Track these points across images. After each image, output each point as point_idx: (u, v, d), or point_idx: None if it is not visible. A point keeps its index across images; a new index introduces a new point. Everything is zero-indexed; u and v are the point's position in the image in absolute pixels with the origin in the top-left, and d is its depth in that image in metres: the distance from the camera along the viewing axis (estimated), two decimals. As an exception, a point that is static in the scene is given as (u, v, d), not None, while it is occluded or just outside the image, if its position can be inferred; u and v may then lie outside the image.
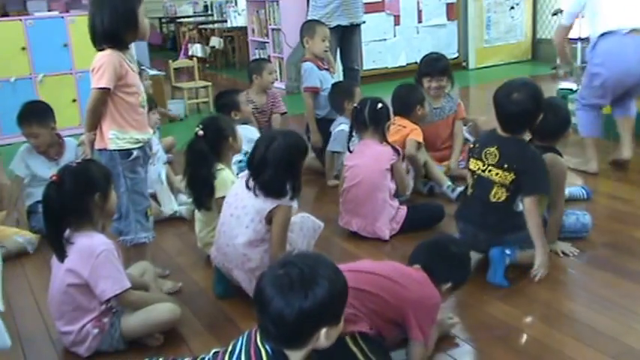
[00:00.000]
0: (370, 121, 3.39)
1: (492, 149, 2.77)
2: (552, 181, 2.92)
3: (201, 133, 3.01)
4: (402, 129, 3.78)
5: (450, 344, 2.36)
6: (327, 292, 1.55)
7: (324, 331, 1.58)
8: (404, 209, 3.37)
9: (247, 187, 2.60)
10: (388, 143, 3.40)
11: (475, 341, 2.36)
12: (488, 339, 2.36)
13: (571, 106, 5.02)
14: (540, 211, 2.99)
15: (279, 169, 2.53)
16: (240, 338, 1.73)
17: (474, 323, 2.48)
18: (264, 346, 1.62)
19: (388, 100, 3.71)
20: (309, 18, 5.35)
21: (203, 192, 3.01)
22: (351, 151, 3.50)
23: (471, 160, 2.87)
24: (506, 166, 2.72)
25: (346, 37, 5.44)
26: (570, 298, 2.66)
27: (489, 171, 2.77)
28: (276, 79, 4.73)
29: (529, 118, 2.75)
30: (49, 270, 2.46)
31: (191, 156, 3.04)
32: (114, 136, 2.66)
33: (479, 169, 2.82)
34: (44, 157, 3.77)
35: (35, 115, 3.72)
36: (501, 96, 2.77)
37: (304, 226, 2.79)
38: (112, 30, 2.61)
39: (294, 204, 2.65)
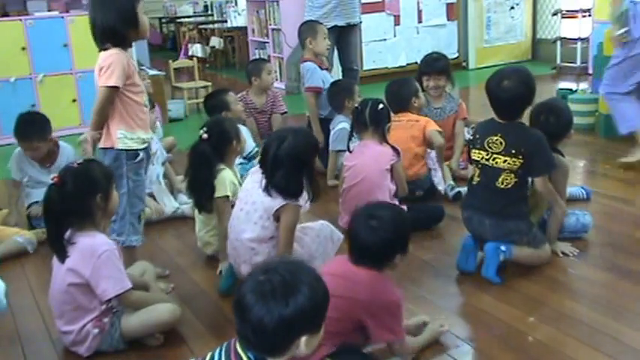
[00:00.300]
0: (371, 122, 3.37)
1: (496, 138, 2.77)
2: (554, 181, 2.93)
3: (205, 135, 3.00)
4: (416, 123, 3.74)
5: (450, 344, 2.36)
6: (308, 299, 1.51)
7: (304, 339, 1.54)
8: (404, 209, 3.36)
9: (262, 188, 2.60)
10: (388, 144, 3.39)
11: (475, 341, 2.36)
12: (488, 339, 2.36)
13: (572, 107, 5.04)
14: (541, 212, 3.00)
15: (292, 169, 2.54)
16: (219, 348, 1.67)
17: (474, 323, 2.48)
18: (245, 354, 1.59)
19: (387, 100, 3.71)
20: (305, 19, 5.35)
21: (204, 194, 3.01)
22: (350, 151, 3.50)
23: (473, 150, 2.88)
24: (513, 151, 2.73)
25: (344, 38, 5.44)
26: (570, 298, 2.66)
27: (494, 159, 2.78)
28: (275, 79, 4.73)
29: (522, 103, 2.79)
30: (49, 270, 2.47)
31: (194, 158, 3.03)
32: (122, 136, 2.67)
33: (482, 158, 2.82)
34: (37, 163, 3.79)
35: (34, 129, 3.71)
36: (493, 85, 2.81)
37: (321, 234, 2.79)
38: (113, 27, 2.61)
39: (305, 204, 2.63)
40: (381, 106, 3.38)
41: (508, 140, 2.75)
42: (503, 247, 2.76)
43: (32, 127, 3.72)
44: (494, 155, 2.78)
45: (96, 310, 2.38)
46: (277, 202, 2.56)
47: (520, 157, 2.72)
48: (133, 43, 2.78)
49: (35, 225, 3.66)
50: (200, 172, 3.00)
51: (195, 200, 3.09)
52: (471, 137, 2.96)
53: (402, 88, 3.91)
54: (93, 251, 2.31)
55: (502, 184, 2.77)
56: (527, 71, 2.85)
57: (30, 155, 3.75)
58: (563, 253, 2.96)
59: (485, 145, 2.81)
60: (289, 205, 2.56)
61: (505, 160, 2.75)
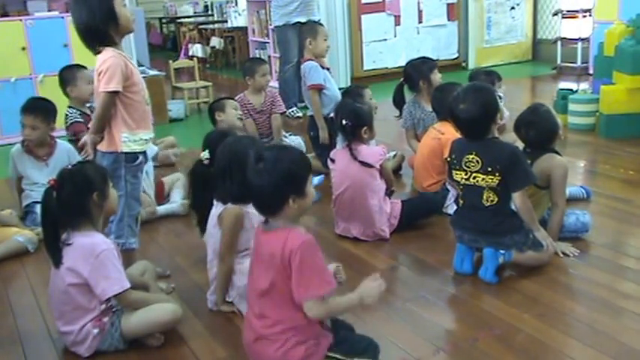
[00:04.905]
0: (342, 134, 3.33)
1: (471, 156, 2.77)
2: (553, 181, 2.92)
3: (206, 161, 2.84)
4: (441, 136, 3.57)
5: (449, 343, 2.36)
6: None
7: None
8: (398, 203, 3.36)
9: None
10: (356, 160, 3.25)
11: (475, 341, 2.36)
12: (488, 338, 2.36)
13: (572, 107, 5.05)
14: (541, 212, 3.00)
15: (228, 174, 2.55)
16: None
17: (475, 323, 2.48)
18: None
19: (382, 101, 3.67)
20: (272, 17, 6.37)
21: (207, 215, 2.98)
22: (332, 159, 3.40)
23: (453, 172, 2.86)
24: (489, 169, 2.72)
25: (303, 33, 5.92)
26: (570, 298, 2.66)
27: (474, 178, 2.77)
28: (270, 80, 4.74)
29: (482, 123, 2.76)
30: (50, 269, 2.46)
31: (194, 181, 2.93)
32: (126, 139, 2.66)
33: (462, 178, 2.81)
34: (32, 157, 3.82)
35: (42, 110, 3.78)
36: (453, 107, 2.81)
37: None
38: (92, 25, 2.60)
39: (247, 208, 2.54)
40: (344, 121, 3.27)
41: (483, 158, 2.74)
42: (502, 250, 2.75)
43: (42, 107, 3.79)
44: (474, 174, 2.77)
45: (95, 310, 2.38)
46: (219, 208, 2.58)
47: (497, 174, 2.70)
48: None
49: (28, 226, 3.68)
50: (201, 195, 2.88)
51: (198, 221, 2.99)
52: (448, 158, 2.92)
53: (444, 93, 3.65)
54: (91, 251, 2.32)
55: (487, 201, 2.76)
56: (486, 90, 2.84)
57: (26, 136, 3.78)
58: (563, 253, 2.95)
59: (464, 165, 2.79)
60: (227, 209, 2.55)
61: (483, 178, 2.74)
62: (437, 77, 4.12)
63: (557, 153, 2.99)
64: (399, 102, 4.27)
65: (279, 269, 1.99)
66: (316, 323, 2.05)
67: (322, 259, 2.02)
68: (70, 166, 2.48)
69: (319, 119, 4.43)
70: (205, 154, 2.78)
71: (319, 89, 4.43)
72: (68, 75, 4.07)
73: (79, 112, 4.00)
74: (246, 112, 4.59)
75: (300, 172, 2.02)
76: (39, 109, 3.77)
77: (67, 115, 4.03)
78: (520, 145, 3.04)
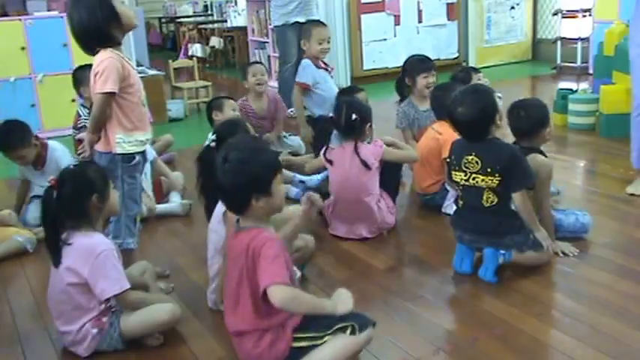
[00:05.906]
0: (347, 132, 3.30)
1: (471, 157, 2.76)
2: (538, 181, 2.90)
3: (213, 144, 2.86)
4: (439, 136, 3.54)
5: (449, 343, 2.36)
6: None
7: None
8: (386, 195, 3.39)
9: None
10: (359, 156, 3.24)
11: (475, 340, 2.36)
12: (488, 338, 2.36)
13: (572, 107, 5.05)
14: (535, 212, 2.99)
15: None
16: None
17: (474, 323, 2.48)
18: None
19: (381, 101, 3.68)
20: (271, 16, 6.36)
21: (213, 201, 2.97)
22: (330, 161, 3.38)
23: (452, 172, 2.86)
24: (489, 170, 2.71)
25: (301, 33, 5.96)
26: (570, 298, 2.66)
27: (474, 179, 2.76)
28: (266, 81, 4.73)
29: (481, 125, 2.75)
30: (49, 269, 2.46)
31: (202, 166, 2.95)
32: (121, 140, 2.65)
33: (462, 179, 2.81)
34: (30, 166, 3.80)
35: (15, 138, 3.67)
36: (451, 111, 2.80)
37: None
38: (94, 26, 2.57)
39: None
40: (354, 116, 3.25)
41: (483, 159, 2.73)
42: (502, 250, 2.75)
43: (12, 137, 3.67)
44: (473, 175, 2.76)
45: (95, 310, 2.38)
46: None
47: (497, 174, 2.70)
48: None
49: (27, 219, 3.70)
50: (210, 179, 2.91)
51: (205, 205, 3.02)
52: (448, 158, 2.92)
53: (444, 93, 3.57)
54: (91, 251, 2.32)
55: (487, 202, 2.76)
56: (484, 92, 2.83)
57: (19, 163, 3.77)
58: (563, 253, 2.95)
59: (463, 166, 2.79)
60: None
61: (483, 179, 2.73)
62: (422, 81, 4.09)
63: (542, 153, 2.97)
64: (401, 90, 4.31)
65: (248, 266, 2.05)
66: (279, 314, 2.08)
67: (286, 261, 2.08)
68: (72, 166, 2.47)
69: (300, 116, 4.47)
70: (210, 137, 2.79)
71: (304, 88, 4.44)
72: (81, 75, 4.06)
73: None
74: (246, 116, 4.58)
75: (263, 173, 2.07)
76: (11, 141, 3.66)
77: (79, 116, 4.03)
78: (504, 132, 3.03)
